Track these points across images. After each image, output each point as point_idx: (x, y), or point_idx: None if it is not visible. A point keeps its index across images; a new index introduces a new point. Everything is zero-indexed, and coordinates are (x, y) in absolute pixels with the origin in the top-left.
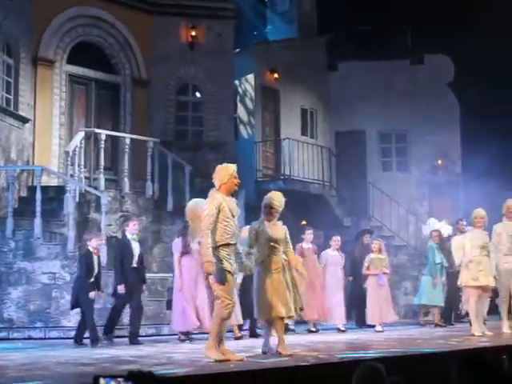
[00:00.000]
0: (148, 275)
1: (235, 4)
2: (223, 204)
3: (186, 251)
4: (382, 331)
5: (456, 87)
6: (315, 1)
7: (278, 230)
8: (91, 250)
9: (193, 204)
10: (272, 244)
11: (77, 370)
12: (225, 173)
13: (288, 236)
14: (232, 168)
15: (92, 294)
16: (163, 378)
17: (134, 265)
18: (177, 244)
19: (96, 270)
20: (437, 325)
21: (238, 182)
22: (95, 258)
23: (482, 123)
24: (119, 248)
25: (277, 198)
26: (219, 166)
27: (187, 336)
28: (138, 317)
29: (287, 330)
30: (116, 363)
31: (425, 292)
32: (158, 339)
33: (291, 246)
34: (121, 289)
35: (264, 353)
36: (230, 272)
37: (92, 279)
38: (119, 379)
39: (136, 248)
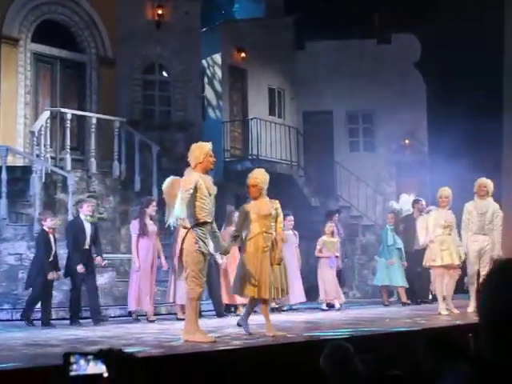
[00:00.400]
0: (116, 256)
1: None
2: (200, 182)
3: (142, 233)
4: (329, 309)
5: (422, 67)
6: None
7: (266, 205)
8: (46, 229)
9: (170, 181)
10: (260, 221)
11: (45, 351)
12: (200, 151)
13: (279, 211)
14: (207, 146)
15: (51, 275)
16: (132, 355)
17: (86, 246)
18: (134, 225)
19: (53, 250)
20: (404, 303)
21: (214, 160)
22: (51, 237)
23: (448, 103)
24: (72, 229)
25: (257, 175)
26: (194, 145)
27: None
28: (96, 296)
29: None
30: (84, 344)
31: (383, 273)
32: (126, 320)
33: (281, 222)
34: (80, 268)
35: (239, 325)
36: (203, 252)
37: (51, 258)
38: (89, 357)
39: (88, 229)
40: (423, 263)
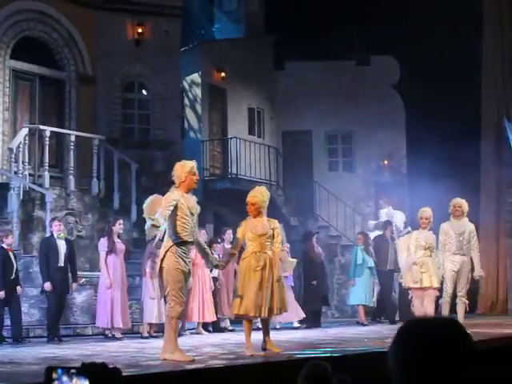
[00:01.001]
0: (94, 273)
1: (182, 1)
2: (181, 201)
3: (111, 250)
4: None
5: (401, 89)
6: (263, 0)
7: (262, 225)
8: (5, 247)
9: (150, 200)
10: (255, 240)
11: (24, 370)
12: (182, 170)
13: (278, 231)
14: (190, 165)
15: (19, 289)
16: (116, 369)
17: (61, 264)
18: (102, 243)
19: (15, 267)
20: (358, 323)
21: (197, 179)
22: (11, 254)
23: (426, 125)
24: (43, 248)
25: (256, 193)
26: (177, 164)
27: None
28: (60, 316)
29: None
30: (64, 362)
31: (354, 292)
32: (102, 338)
33: (280, 242)
34: (47, 286)
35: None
36: (183, 271)
37: (12, 276)
38: (72, 371)
39: (62, 247)
40: (403, 284)
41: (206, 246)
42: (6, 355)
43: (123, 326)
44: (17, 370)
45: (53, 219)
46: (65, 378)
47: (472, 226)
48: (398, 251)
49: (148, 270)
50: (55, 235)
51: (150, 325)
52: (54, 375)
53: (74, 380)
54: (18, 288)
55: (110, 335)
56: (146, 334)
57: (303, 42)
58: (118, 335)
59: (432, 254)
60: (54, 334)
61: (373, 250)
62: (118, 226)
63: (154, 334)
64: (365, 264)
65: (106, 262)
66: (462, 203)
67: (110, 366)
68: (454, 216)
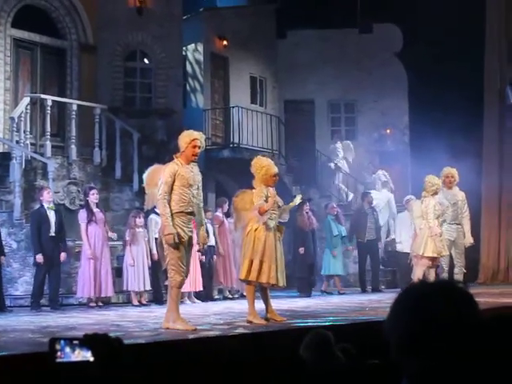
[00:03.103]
0: None
1: None
2: (179, 172)
3: (90, 220)
4: None
5: (404, 57)
6: None
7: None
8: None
9: (151, 170)
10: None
11: (26, 338)
12: (184, 140)
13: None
14: (191, 136)
15: (2, 259)
16: (118, 340)
17: (52, 234)
18: (81, 215)
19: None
20: (340, 292)
21: (196, 151)
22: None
23: (428, 93)
24: (34, 218)
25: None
26: (183, 132)
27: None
28: (57, 284)
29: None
30: (67, 330)
31: (327, 263)
32: (105, 307)
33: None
34: (39, 258)
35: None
36: (182, 241)
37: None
38: (74, 342)
39: (52, 217)
40: (420, 251)
41: (203, 223)
42: (9, 324)
43: (107, 294)
44: (21, 338)
45: (41, 189)
46: (67, 349)
47: (463, 194)
48: (414, 218)
49: (128, 238)
50: (45, 206)
51: (140, 293)
52: (57, 346)
53: (77, 351)
54: (2, 258)
55: (93, 305)
56: (136, 303)
57: (305, 10)
58: (101, 304)
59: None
60: (38, 302)
61: (352, 220)
62: (92, 197)
63: (144, 302)
64: (339, 235)
65: (86, 233)
66: (454, 172)
67: (112, 337)
68: (446, 185)
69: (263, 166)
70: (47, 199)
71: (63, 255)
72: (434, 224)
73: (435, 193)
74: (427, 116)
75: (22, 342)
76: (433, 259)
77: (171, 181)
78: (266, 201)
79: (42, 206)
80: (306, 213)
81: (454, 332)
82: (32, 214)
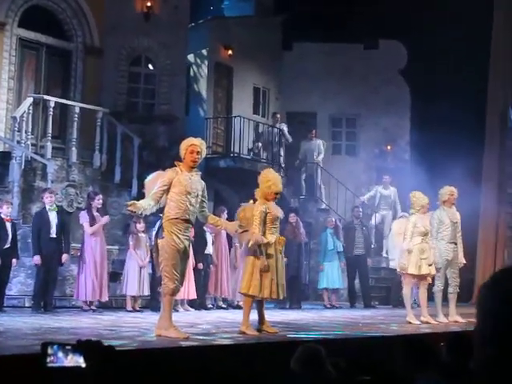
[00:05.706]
0: None
1: None
2: (177, 178)
3: (91, 223)
4: None
5: (407, 74)
6: None
7: (278, 209)
8: (3, 217)
9: (153, 176)
10: (273, 223)
11: (19, 340)
12: (182, 147)
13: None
14: (190, 142)
15: (14, 262)
16: (111, 347)
17: (53, 235)
18: (83, 216)
19: (10, 236)
20: (329, 306)
21: (195, 158)
22: (8, 224)
23: (431, 112)
24: (35, 220)
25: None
26: (185, 140)
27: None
28: (52, 287)
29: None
30: (59, 334)
31: (324, 276)
32: (98, 310)
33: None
34: (36, 259)
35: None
36: (177, 248)
37: (8, 245)
38: (67, 347)
39: (53, 219)
40: (397, 269)
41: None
42: (1, 325)
43: (104, 298)
44: (12, 340)
45: (44, 190)
46: (60, 354)
47: (458, 214)
48: (393, 235)
49: (131, 243)
50: (47, 207)
51: (134, 298)
52: (50, 351)
53: (70, 356)
54: (14, 260)
55: (87, 308)
56: (130, 308)
57: (311, 23)
58: (94, 308)
59: (428, 241)
60: (39, 304)
61: (342, 234)
62: (97, 202)
63: (138, 308)
64: (335, 249)
65: (89, 230)
66: (455, 191)
67: (105, 344)
68: (448, 204)
69: (269, 179)
70: (48, 202)
71: (65, 257)
72: (407, 241)
73: (423, 211)
74: (429, 134)
75: (13, 343)
76: (417, 276)
77: (166, 186)
78: (265, 218)
79: (44, 207)
80: (291, 223)
81: None
82: (34, 217)
